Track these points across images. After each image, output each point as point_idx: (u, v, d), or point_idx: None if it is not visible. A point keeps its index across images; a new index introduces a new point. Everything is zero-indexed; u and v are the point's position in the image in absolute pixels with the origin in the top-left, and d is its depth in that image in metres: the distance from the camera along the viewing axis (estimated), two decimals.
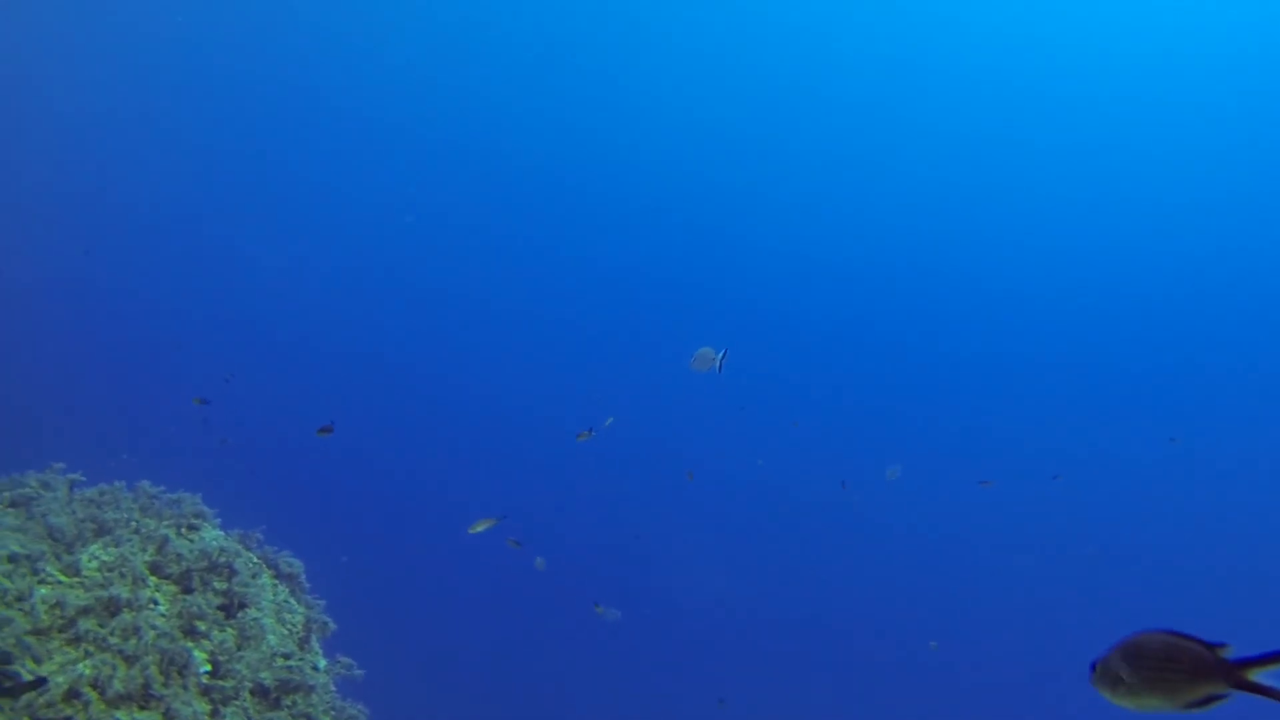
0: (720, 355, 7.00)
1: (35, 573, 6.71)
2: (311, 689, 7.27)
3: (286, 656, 7.56)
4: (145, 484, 8.79)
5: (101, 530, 7.65)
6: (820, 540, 24.05)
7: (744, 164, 35.21)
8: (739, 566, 22.62)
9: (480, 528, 6.36)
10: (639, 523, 22.75)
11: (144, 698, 5.90)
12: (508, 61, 34.11)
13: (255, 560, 8.42)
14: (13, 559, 6.71)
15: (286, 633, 7.99)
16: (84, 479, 8.58)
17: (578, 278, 33.22)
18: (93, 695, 5.66)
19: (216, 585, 7.36)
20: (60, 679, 5.66)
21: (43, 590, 6.49)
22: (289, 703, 7.21)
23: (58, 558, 6.94)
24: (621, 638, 17.96)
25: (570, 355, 29.98)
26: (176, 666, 6.30)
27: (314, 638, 8.50)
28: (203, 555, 7.40)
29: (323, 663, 8.55)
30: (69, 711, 5.54)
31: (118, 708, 5.75)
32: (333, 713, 8.30)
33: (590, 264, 33.81)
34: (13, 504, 8.42)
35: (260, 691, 6.95)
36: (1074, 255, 33.54)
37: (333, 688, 8.56)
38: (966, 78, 33.80)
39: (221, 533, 8.54)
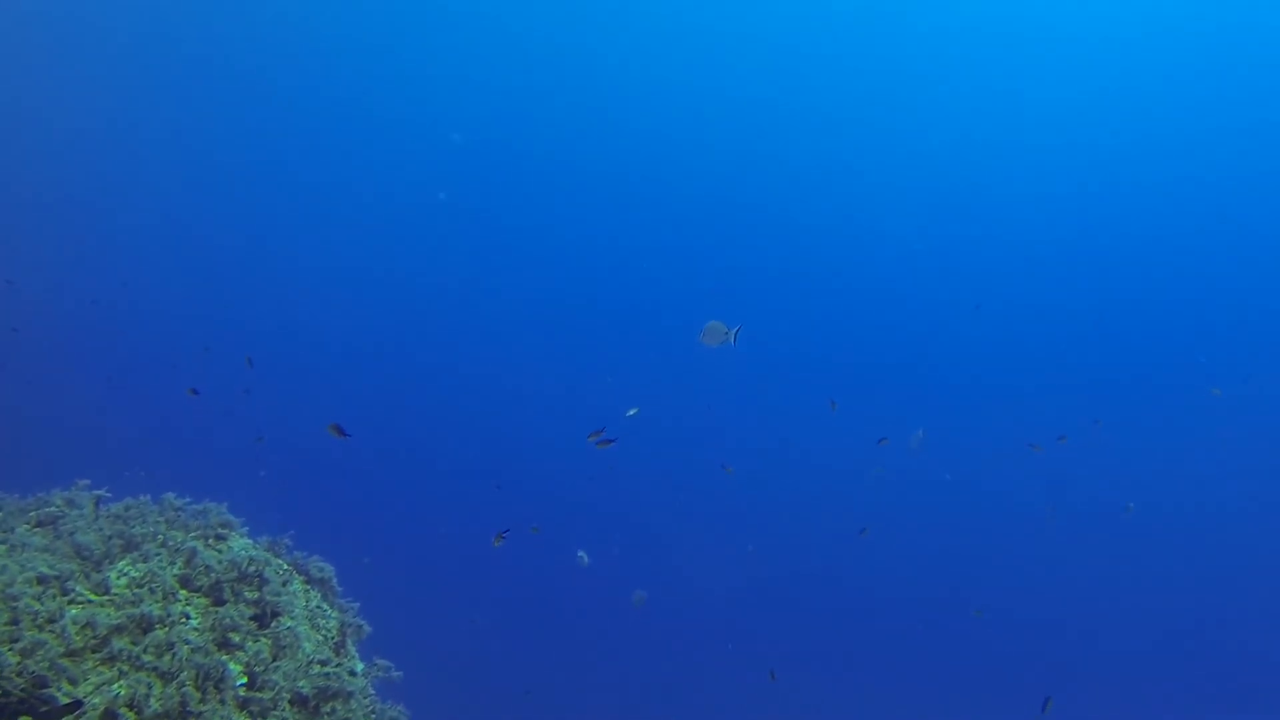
0: (734, 330, 6.99)
1: (65, 593, 6.61)
2: (350, 695, 7.15)
3: (323, 663, 7.46)
4: (170, 496, 8.69)
5: (129, 546, 7.55)
6: (826, 533, 23.88)
7: (755, 164, 34.93)
8: (751, 560, 22.54)
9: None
10: (661, 518, 22.78)
11: (182, 714, 5.79)
12: (531, 62, 33.73)
13: (285, 567, 8.31)
14: (41, 580, 6.61)
15: (321, 639, 7.89)
16: (109, 495, 8.50)
17: (596, 275, 33.27)
18: (130, 716, 5.56)
19: (248, 595, 7.25)
20: (97, 700, 5.56)
21: (73, 611, 6.39)
22: (328, 710, 7.11)
23: (86, 576, 6.84)
24: (646, 634, 17.95)
25: (589, 353, 30.03)
26: (213, 681, 6.19)
27: (349, 641, 8.40)
28: (232, 565, 7.29)
29: (360, 666, 8.46)
30: None
31: None
32: (373, 716, 8.22)
33: (608, 262, 33.83)
34: (39, 524, 8.36)
35: (299, 701, 6.84)
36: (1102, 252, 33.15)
37: (371, 691, 8.47)
38: (965, 76, 33.38)
39: (250, 541, 8.44)
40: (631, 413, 9.86)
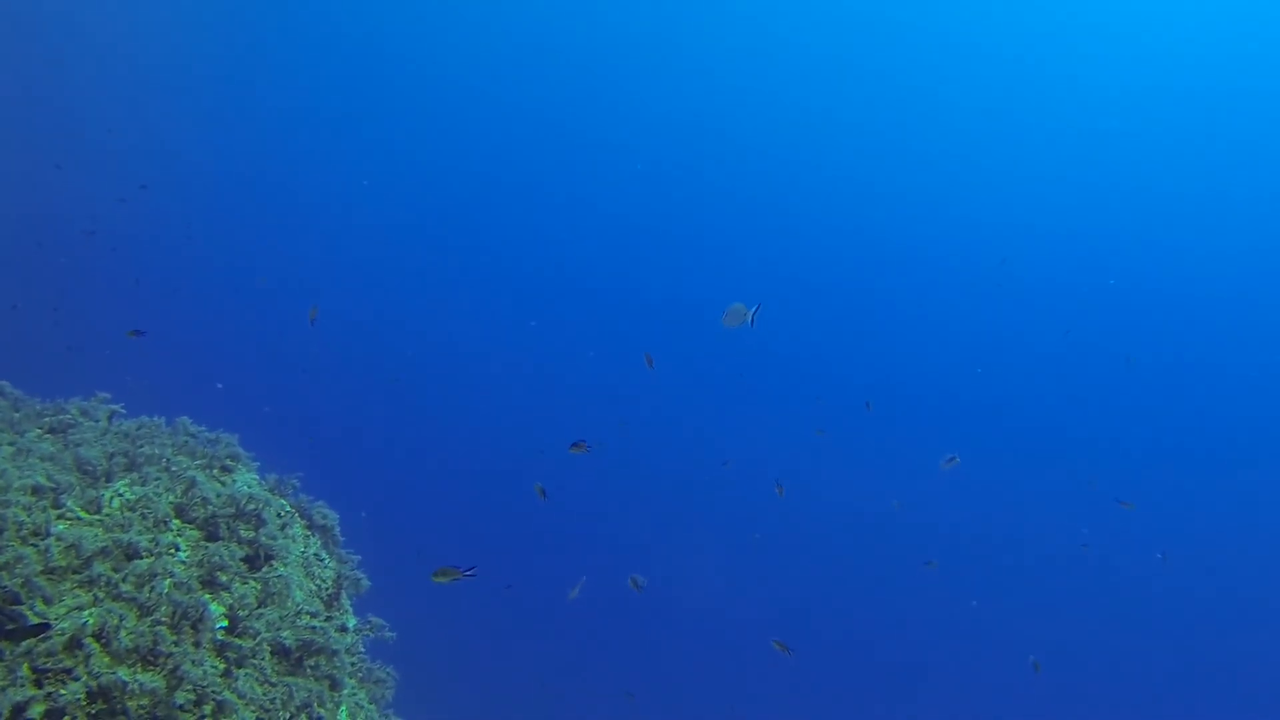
0: (753, 310, 7.19)
1: (57, 506, 6.38)
2: (335, 652, 6.81)
3: (312, 615, 7.13)
4: (185, 420, 8.46)
5: (132, 465, 7.31)
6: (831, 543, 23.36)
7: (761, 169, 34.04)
8: (748, 567, 22.19)
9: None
10: (666, 517, 22.56)
11: (151, 652, 5.48)
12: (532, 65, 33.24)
13: (288, 508, 8.01)
14: (36, 490, 6.38)
15: (315, 589, 7.57)
16: (124, 410, 8.30)
17: (601, 275, 32.90)
18: (95, 647, 5.26)
19: (243, 534, 6.93)
20: (65, 625, 5.27)
21: (61, 526, 6.14)
22: (311, 664, 6.77)
23: (82, 492, 6.60)
24: (643, 622, 17.76)
25: (596, 349, 29.81)
26: (190, 621, 5.87)
27: (345, 595, 8.08)
28: (230, 501, 6.97)
29: (352, 621, 8.14)
30: (69, 663, 5.14)
31: (122, 662, 5.34)
32: (359, 675, 7.90)
33: (614, 263, 33.41)
34: (51, 430, 8.19)
35: (281, 651, 6.52)
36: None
37: (361, 649, 8.16)
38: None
39: (256, 477, 8.16)
40: (622, 426, 9.81)
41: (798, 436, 25.26)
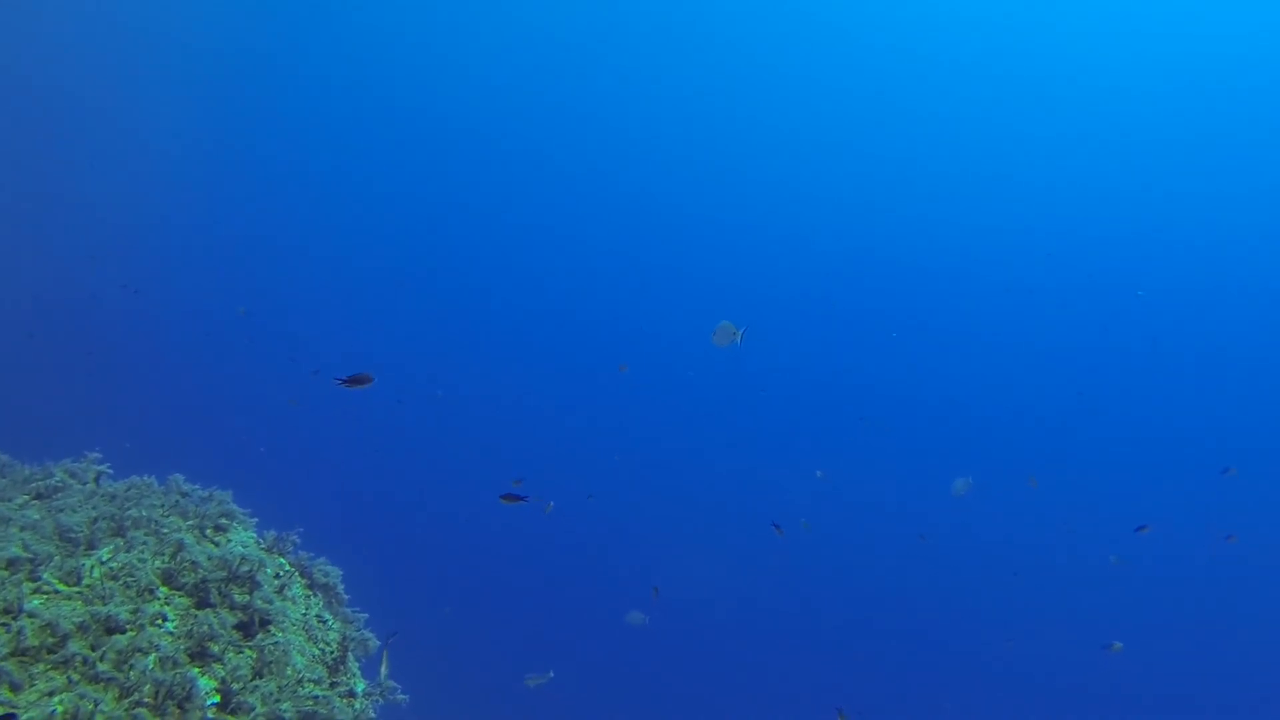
0: (742, 330, 7.35)
1: (34, 579, 5.91)
2: None
3: (315, 682, 6.59)
4: (178, 478, 8.01)
5: (119, 530, 6.85)
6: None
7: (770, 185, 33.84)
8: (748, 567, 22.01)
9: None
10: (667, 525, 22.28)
11: None
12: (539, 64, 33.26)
13: (287, 567, 7.51)
14: (11, 564, 5.93)
15: (318, 653, 7.03)
16: (111, 471, 7.87)
17: (597, 283, 32.70)
18: None
19: (236, 599, 6.43)
20: (33, 715, 4.76)
21: (36, 602, 5.66)
22: None
23: (62, 562, 6.13)
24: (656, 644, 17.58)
25: (594, 358, 29.61)
26: (176, 699, 5.35)
27: (351, 657, 7.53)
28: (222, 564, 6.48)
29: (361, 686, 7.58)
30: None
31: None
32: None
33: (611, 272, 33.23)
34: (39, 495, 7.77)
35: None
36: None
37: (372, 714, 7.58)
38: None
39: (253, 535, 7.67)
40: (548, 507, 9.63)
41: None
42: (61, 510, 6.85)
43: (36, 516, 7.00)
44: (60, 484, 7.68)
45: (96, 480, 7.72)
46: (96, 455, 8.31)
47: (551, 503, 9.43)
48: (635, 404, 27.97)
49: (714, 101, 33.87)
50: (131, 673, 5.29)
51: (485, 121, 34.11)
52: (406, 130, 33.75)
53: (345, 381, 6.23)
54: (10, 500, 7.48)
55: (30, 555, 6.04)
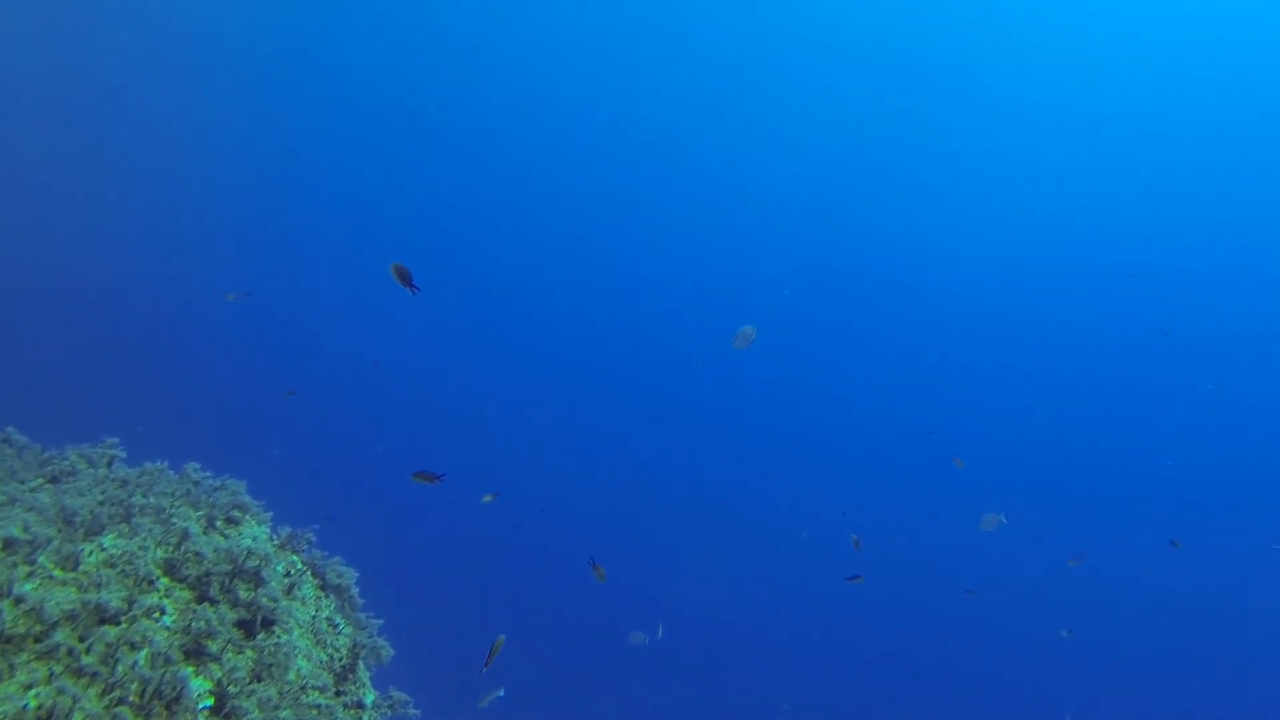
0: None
1: (30, 562, 5.55)
2: None
3: (320, 690, 6.11)
4: (193, 466, 7.67)
5: (126, 516, 6.49)
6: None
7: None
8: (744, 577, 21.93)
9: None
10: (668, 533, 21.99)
11: None
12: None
13: (300, 565, 7.08)
14: (8, 544, 5.58)
15: (326, 659, 6.56)
16: (124, 455, 7.56)
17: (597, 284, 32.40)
18: None
19: (240, 595, 6.00)
20: (4, 710, 4.35)
21: (28, 586, 5.29)
22: None
23: (60, 547, 5.77)
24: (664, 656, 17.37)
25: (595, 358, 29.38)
26: (164, 699, 4.91)
27: (363, 666, 7.05)
28: (228, 557, 6.07)
29: (370, 697, 7.08)
30: None
31: None
32: None
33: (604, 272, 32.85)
34: (53, 479, 7.49)
35: None
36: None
37: None
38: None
39: (266, 530, 7.27)
40: (488, 498, 9.38)
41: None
42: (67, 493, 6.52)
43: (45, 499, 6.68)
44: (73, 467, 7.39)
45: (109, 465, 7.41)
46: (113, 440, 8.03)
47: (491, 495, 9.11)
48: (643, 408, 27.88)
49: (712, 103, 33.45)
50: (119, 668, 4.86)
51: (485, 122, 34.06)
52: (413, 130, 33.82)
53: (417, 476, 6.28)
54: (24, 482, 7.21)
55: (30, 538, 5.69)
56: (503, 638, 6.26)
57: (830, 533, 22.71)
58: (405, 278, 5.00)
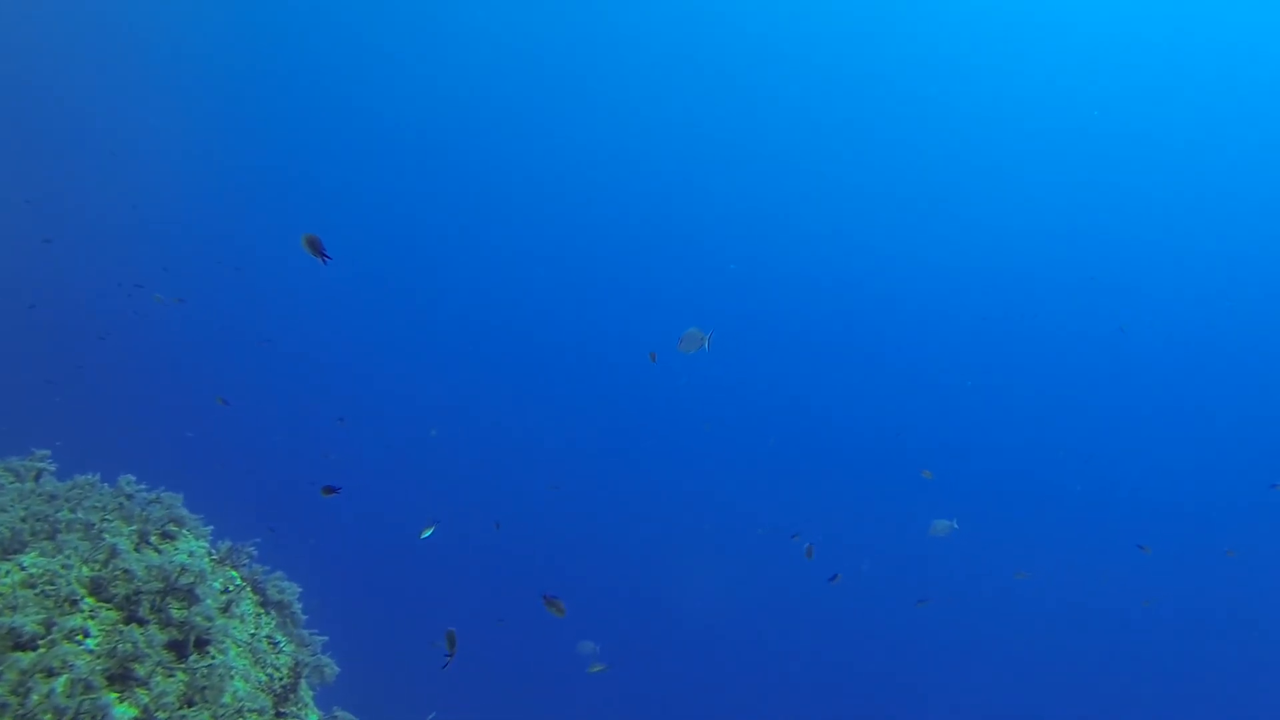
0: (708, 335, 7.33)
1: None
2: None
3: (258, 712, 5.85)
4: (128, 479, 7.33)
5: (51, 533, 6.17)
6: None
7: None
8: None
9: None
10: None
11: None
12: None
13: (239, 581, 6.80)
14: None
15: (265, 679, 6.29)
16: (53, 468, 7.19)
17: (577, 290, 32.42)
18: None
19: (173, 614, 5.72)
20: None
21: None
22: None
23: None
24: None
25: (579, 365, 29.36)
26: None
27: (305, 685, 6.78)
28: (159, 574, 5.78)
29: (314, 717, 6.82)
30: None
31: None
32: None
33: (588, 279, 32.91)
34: None
35: None
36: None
37: None
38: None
39: (205, 544, 6.97)
40: (427, 532, 9.29)
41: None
42: None
43: None
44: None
45: (36, 478, 7.05)
46: (44, 453, 7.65)
47: (430, 528, 8.94)
48: (621, 409, 27.90)
49: (710, 105, 33.57)
50: (32, 697, 4.57)
51: (483, 123, 33.80)
52: (406, 136, 33.44)
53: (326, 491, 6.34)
54: None
55: None
56: (453, 630, 6.06)
57: (815, 538, 22.84)
58: (317, 248, 4.80)
